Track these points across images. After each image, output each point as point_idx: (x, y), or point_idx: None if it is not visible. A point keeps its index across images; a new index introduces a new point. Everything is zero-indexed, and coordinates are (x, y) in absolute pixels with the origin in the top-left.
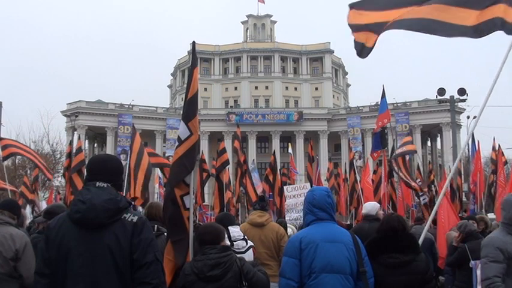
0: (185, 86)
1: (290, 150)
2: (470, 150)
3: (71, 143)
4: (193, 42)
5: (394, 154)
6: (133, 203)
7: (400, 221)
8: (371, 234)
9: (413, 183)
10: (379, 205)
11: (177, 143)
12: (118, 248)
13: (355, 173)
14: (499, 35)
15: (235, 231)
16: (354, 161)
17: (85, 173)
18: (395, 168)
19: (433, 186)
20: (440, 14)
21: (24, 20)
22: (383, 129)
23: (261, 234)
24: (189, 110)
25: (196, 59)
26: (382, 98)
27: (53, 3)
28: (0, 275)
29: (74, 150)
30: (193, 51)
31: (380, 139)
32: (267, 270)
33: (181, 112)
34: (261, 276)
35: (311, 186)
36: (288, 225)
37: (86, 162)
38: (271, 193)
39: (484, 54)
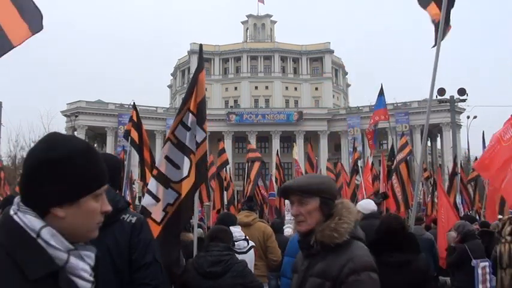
0: (185, 86)
1: (296, 150)
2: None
3: None
4: (201, 45)
5: (395, 163)
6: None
7: (398, 221)
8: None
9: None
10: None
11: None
12: (117, 248)
13: (357, 173)
14: (502, 35)
15: (236, 231)
16: (358, 161)
17: None
18: (397, 179)
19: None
20: None
21: None
22: (378, 129)
23: (247, 234)
24: (203, 113)
25: (203, 62)
26: (379, 95)
27: (53, 4)
28: None
29: None
30: (200, 54)
31: (376, 137)
32: (255, 270)
33: (179, 110)
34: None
35: None
36: (287, 225)
37: None
38: (273, 192)
39: (483, 54)
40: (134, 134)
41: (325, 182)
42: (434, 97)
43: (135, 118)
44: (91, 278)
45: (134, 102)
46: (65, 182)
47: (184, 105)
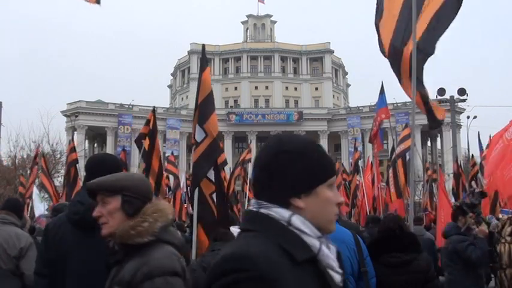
0: (185, 86)
1: None
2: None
3: (70, 142)
4: (203, 45)
5: (393, 156)
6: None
7: (396, 222)
8: None
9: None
10: None
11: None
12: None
13: (357, 173)
14: (500, 34)
15: (236, 231)
16: (359, 161)
17: (72, 174)
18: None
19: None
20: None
21: (24, 19)
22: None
23: None
24: (204, 113)
25: (206, 62)
26: (380, 93)
27: (53, 4)
28: (4, 271)
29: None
30: (203, 54)
31: (382, 136)
32: None
33: (193, 114)
34: None
35: None
36: None
37: (79, 162)
38: None
39: (482, 53)
40: (146, 142)
41: (132, 179)
42: (434, 97)
43: (151, 124)
44: (340, 270)
45: (154, 107)
46: (299, 173)
47: (197, 107)
